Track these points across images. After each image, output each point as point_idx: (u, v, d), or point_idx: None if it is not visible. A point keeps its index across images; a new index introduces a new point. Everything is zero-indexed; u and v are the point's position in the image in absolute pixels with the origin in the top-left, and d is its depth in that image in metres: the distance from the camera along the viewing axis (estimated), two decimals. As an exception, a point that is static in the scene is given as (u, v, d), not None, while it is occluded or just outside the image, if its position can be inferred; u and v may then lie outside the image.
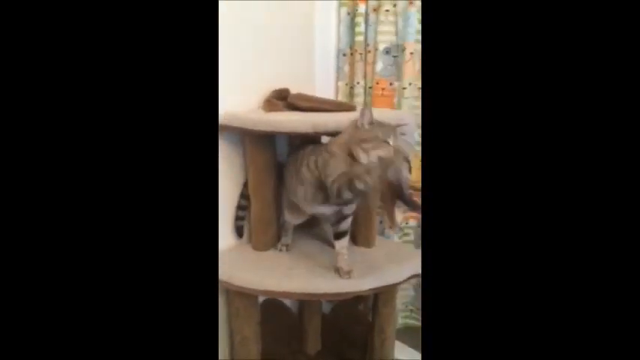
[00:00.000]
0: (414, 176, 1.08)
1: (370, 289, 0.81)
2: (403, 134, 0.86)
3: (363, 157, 0.71)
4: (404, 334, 1.18)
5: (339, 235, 0.83)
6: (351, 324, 1.15)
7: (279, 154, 0.93)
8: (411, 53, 1.00)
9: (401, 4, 1.01)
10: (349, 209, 0.82)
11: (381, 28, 1.03)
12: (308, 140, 0.84)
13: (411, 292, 1.16)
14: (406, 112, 1.01)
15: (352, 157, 0.72)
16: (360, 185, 0.68)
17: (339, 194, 0.71)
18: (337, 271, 0.81)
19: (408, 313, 1.17)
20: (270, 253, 0.92)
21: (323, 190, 0.76)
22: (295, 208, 0.91)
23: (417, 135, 1.05)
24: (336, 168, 0.72)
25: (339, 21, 1.11)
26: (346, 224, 0.83)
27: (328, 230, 0.97)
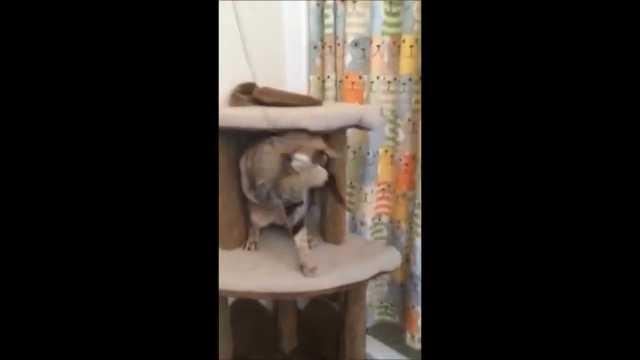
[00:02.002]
0: (384, 173, 1.07)
1: (333, 288, 0.79)
2: (370, 129, 0.85)
3: (295, 162, 0.69)
4: (379, 330, 1.18)
5: (295, 229, 0.82)
6: (326, 321, 1.14)
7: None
8: (378, 46, 0.97)
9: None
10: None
11: (350, 19, 1.00)
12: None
13: (385, 289, 1.14)
14: (374, 106, 0.99)
15: (286, 159, 0.69)
16: (285, 195, 0.71)
17: (268, 198, 0.75)
18: (301, 267, 0.80)
19: (383, 310, 1.16)
20: (236, 252, 0.91)
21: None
22: (258, 209, 0.89)
23: (386, 130, 1.03)
24: (267, 170, 0.74)
25: (309, 12, 1.08)
26: (299, 215, 0.82)
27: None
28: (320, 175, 0.67)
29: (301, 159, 0.68)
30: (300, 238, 0.82)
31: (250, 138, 0.86)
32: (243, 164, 0.83)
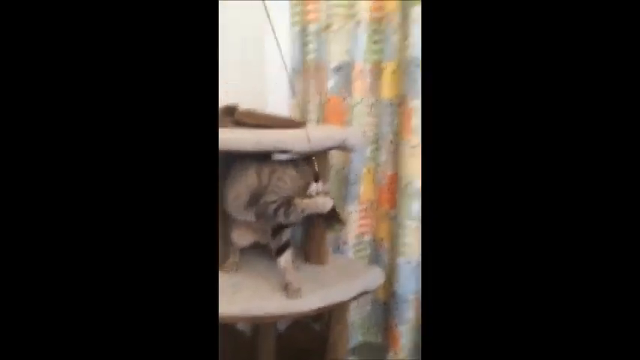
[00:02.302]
0: (367, 191, 1.09)
1: (316, 309, 0.79)
2: (353, 151, 0.87)
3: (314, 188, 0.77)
4: (362, 351, 1.17)
5: (280, 250, 0.81)
6: (307, 343, 1.12)
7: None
8: (360, 71, 1.01)
9: (350, 24, 1.02)
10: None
11: (332, 47, 1.03)
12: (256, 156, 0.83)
13: (368, 307, 1.14)
14: (357, 128, 1.02)
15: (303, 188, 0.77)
16: (293, 216, 0.75)
17: (275, 214, 0.76)
18: (286, 287, 0.79)
19: (365, 330, 1.16)
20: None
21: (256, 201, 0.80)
22: (241, 227, 0.89)
23: (368, 151, 1.06)
24: (285, 190, 0.77)
25: (292, 38, 1.11)
26: (285, 237, 0.82)
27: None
28: (328, 204, 0.76)
29: (320, 187, 0.78)
30: (285, 259, 0.81)
31: (238, 158, 0.85)
32: (246, 181, 0.81)
